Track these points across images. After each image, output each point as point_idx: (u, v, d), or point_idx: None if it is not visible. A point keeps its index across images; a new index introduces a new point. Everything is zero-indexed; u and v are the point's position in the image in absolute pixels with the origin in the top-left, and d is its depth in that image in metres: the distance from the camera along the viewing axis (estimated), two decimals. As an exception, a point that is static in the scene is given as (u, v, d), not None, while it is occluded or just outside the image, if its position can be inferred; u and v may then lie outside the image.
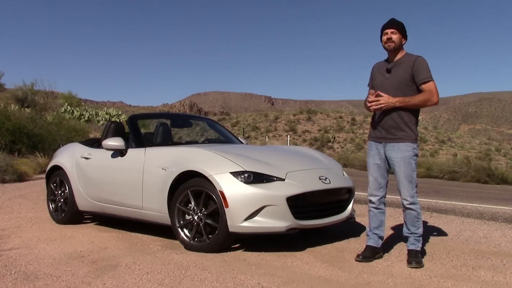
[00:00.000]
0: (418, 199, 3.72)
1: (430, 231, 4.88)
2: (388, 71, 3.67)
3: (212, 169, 3.94)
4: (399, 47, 3.66)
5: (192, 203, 4.02)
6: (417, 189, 3.67)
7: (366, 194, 3.87)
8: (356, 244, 4.25)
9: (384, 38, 3.66)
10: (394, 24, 3.66)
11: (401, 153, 3.60)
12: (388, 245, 4.17)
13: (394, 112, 3.60)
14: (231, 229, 3.80)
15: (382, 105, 3.57)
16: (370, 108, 3.64)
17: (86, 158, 5.14)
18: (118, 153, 4.76)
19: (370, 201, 3.81)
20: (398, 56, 3.67)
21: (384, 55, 3.79)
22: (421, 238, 3.69)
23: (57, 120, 17.94)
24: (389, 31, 3.65)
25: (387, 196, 3.84)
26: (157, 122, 5.34)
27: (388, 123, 3.64)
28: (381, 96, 3.58)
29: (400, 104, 3.55)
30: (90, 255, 3.88)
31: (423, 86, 3.57)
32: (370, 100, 3.63)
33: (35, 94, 25.35)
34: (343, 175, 4.61)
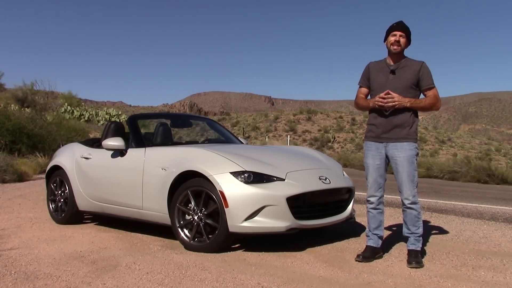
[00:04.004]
0: (418, 199, 3.72)
1: (430, 231, 4.88)
2: (392, 72, 3.67)
3: (212, 169, 3.94)
4: (403, 51, 3.67)
5: (192, 203, 4.02)
6: (417, 188, 3.68)
7: (366, 194, 3.86)
8: (356, 244, 4.25)
9: (392, 39, 3.62)
10: (404, 28, 3.64)
11: (404, 152, 3.62)
12: (388, 245, 4.17)
13: (400, 112, 3.62)
14: (231, 229, 3.80)
15: (396, 103, 3.56)
16: (385, 105, 3.56)
17: (86, 158, 5.14)
18: (118, 153, 4.76)
19: (369, 202, 3.80)
20: (401, 59, 3.68)
21: (384, 55, 3.78)
22: (421, 238, 3.69)
23: (57, 120, 17.94)
24: (398, 33, 3.62)
25: (386, 196, 3.84)
26: (157, 122, 5.34)
27: (393, 123, 3.65)
28: (391, 94, 3.55)
29: (410, 105, 3.58)
30: (90, 255, 3.88)
31: (428, 92, 3.64)
32: (382, 97, 3.56)
33: (35, 94, 25.35)
34: (343, 175, 4.61)
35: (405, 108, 3.59)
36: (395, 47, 3.62)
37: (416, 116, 3.70)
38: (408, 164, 3.61)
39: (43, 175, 6.14)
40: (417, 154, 3.69)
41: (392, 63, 3.69)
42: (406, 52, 3.73)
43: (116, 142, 4.66)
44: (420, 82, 3.63)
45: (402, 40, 3.62)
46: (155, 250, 4.05)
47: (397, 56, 3.67)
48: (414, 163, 3.64)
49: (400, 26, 3.65)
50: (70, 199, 5.23)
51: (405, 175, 3.61)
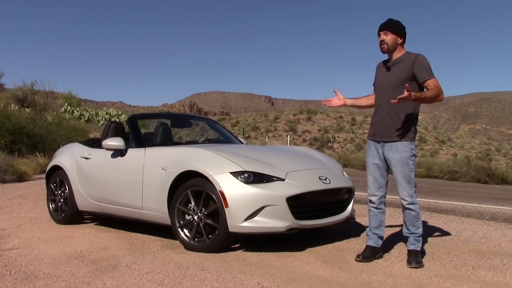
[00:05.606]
0: (418, 199, 3.72)
1: (430, 231, 4.88)
2: (388, 69, 3.68)
3: (212, 169, 3.94)
4: (394, 48, 3.63)
5: (192, 203, 4.02)
6: (416, 189, 3.67)
7: (366, 194, 3.87)
8: (356, 244, 4.25)
9: (379, 40, 3.66)
10: (387, 25, 3.64)
11: (398, 153, 3.59)
12: (388, 245, 4.17)
13: (393, 110, 3.59)
14: (231, 229, 3.80)
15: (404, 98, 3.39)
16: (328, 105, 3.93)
17: (86, 158, 5.14)
18: (118, 153, 4.76)
19: (370, 201, 3.81)
20: (398, 55, 3.65)
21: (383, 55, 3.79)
22: (421, 238, 3.69)
23: (57, 120, 17.96)
24: (382, 33, 3.64)
25: (387, 196, 3.84)
26: (157, 122, 5.34)
27: (385, 122, 3.63)
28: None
29: (416, 97, 3.40)
30: (90, 255, 3.88)
31: (428, 83, 3.51)
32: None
33: (35, 94, 25.40)
34: (343, 175, 4.61)
35: (398, 106, 3.52)
36: (382, 45, 3.64)
37: (413, 114, 3.62)
38: (403, 166, 3.58)
39: (43, 175, 6.15)
40: (414, 155, 3.62)
41: (390, 60, 3.69)
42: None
43: (116, 142, 4.67)
44: (416, 76, 3.54)
45: (387, 37, 3.61)
46: (155, 250, 4.05)
47: (390, 53, 3.67)
48: (409, 164, 3.59)
49: (382, 25, 3.66)
50: (70, 199, 5.23)
51: (399, 176, 3.60)
